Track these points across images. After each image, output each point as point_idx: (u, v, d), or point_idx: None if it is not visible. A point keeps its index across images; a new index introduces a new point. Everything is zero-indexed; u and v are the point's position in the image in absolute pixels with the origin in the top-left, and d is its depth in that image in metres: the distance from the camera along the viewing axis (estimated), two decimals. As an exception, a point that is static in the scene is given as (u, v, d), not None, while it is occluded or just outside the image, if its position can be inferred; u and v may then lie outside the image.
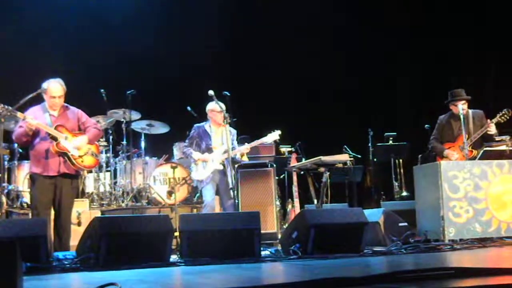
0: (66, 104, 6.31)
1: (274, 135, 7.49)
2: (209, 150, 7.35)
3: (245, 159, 7.82)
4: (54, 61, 9.04)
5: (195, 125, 7.56)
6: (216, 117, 7.33)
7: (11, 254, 2.70)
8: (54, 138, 6.02)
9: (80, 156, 6.17)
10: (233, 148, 7.29)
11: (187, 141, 7.55)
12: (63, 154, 6.06)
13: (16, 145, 7.80)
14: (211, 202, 7.27)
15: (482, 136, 7.20)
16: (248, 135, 8.55)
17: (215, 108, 7.29)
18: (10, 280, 2.64)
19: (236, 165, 7.72)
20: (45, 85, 6.14)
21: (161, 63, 10.39)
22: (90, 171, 8.47)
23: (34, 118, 6.04)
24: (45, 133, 6.06)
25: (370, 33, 10.95)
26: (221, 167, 7.29)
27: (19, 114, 6.02)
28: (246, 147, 7.45)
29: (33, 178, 6.20)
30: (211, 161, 7.28)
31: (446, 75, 10.47)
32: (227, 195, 7.27)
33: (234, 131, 7.54)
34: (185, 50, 10.45)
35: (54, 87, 6.13)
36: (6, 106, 5.99)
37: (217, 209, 7.55)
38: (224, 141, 7.24)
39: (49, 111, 6.20)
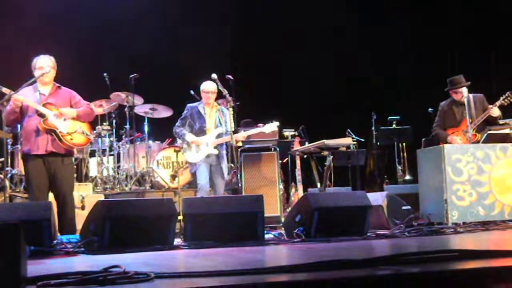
0: (58, 84, 6.24)
1: (272, 126, 7.42)
2: (202, 132, 7.18)
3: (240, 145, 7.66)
4: (56, 46, 9.00)
5: (188, 105, 7.40)
6: (207, 98, 7.23)
7: (15, 237, 2.70)
8: (42, 115, 5.94)
9: (69, 133, 6.04)
10: (225, 130, 7.17)
11: (179, 121, 7.38)
12: (52, 131, 5.96)
13: (19, 129, 7.79)
14: (205, 185, 7.09)
15: (485, 119, 7.18)
16: (251, 119, 8.54)
17: (205, 88, 7.21)
18: (15, 263, 2.65)
19: (239, 149, 7.72)
20: (34, 60, 6.11)
21: (164, 46, 10.35)
22: (93, 155, 8.49)
23: (24, 96, 5.97)
24: (34, 110, 5.98)
25: (371, 20, 10.91)
26: (216, 151, 7.13)
27: (4, 89, 5.91)
28: (243, 135, 7.33)
29: (24, 158, 6.14)
30: (205, 144, 7.13)
31: (450, 58, 10.43)
32: (220, 181, 7.17)
33: (226, 111, 7.32)
34: (189, 33, 10.42)
35: (42, 59, 6.09)
36: None
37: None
38: (218, 124, 7.18)
39: (39, 90, 6.13)
